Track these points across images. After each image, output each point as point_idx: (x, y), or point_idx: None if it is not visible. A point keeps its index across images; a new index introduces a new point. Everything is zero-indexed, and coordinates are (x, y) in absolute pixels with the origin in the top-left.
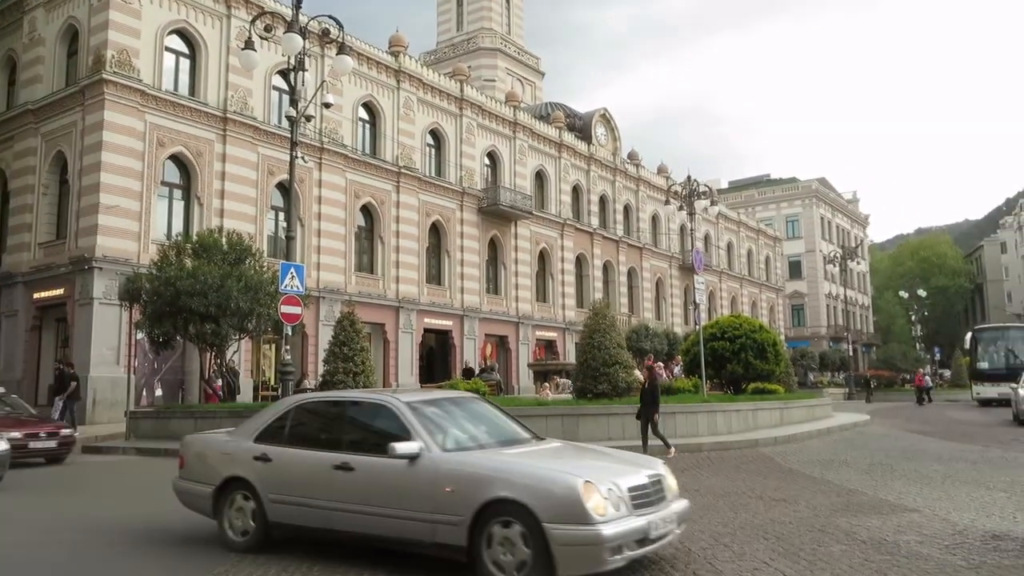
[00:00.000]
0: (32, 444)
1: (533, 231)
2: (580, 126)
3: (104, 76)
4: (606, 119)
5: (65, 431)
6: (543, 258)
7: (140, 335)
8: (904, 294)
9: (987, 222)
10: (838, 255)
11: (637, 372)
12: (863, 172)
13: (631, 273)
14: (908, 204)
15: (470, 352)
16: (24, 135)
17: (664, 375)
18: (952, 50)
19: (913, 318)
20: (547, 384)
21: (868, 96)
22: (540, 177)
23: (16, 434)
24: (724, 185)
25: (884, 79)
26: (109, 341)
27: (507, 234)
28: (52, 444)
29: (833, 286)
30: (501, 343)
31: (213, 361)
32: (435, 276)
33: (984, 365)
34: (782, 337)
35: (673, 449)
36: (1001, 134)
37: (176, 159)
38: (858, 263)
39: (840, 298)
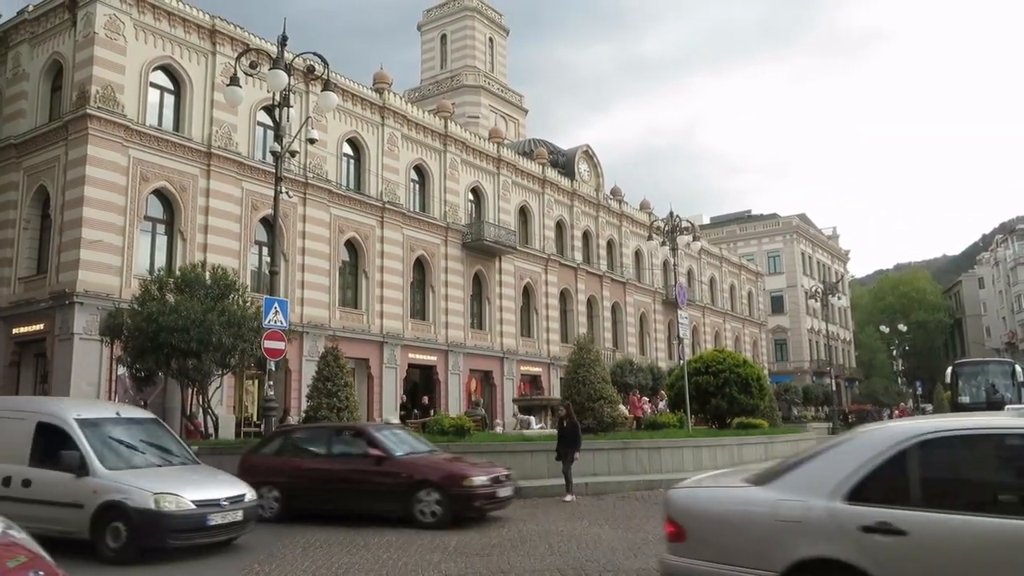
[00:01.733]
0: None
1: (517, 266)
2: (563, 162)
3: (88, 111)
4: (588, 155)
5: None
6: (527, 293)
7: (121, 371)
8: (885, 329)
9: (964, 258)
10: (819, 290)
11: (622, 407)
12: (842, 208)
13: (615, 308)
14: (887, 240)
15: (455, 387)
16: (6, 169)
17: (649, 409)
18: (929, 88)
19: (894, 352)
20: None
21: (847, 133)
22: (524, 212)
23: (482, 478)
24: (706, 221)
25: (862, 117)
26: (89, 377)
27: (491, 269)
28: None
29: (815, 321)
30: (486, 378)
31: (195, 397)
32: (419, 311)
33: (965, 399)
34: (765, 371)
35: (571, 496)
36: (977, 170)
37: (160, 194)
38: (839, 298)
39: (822, 333)
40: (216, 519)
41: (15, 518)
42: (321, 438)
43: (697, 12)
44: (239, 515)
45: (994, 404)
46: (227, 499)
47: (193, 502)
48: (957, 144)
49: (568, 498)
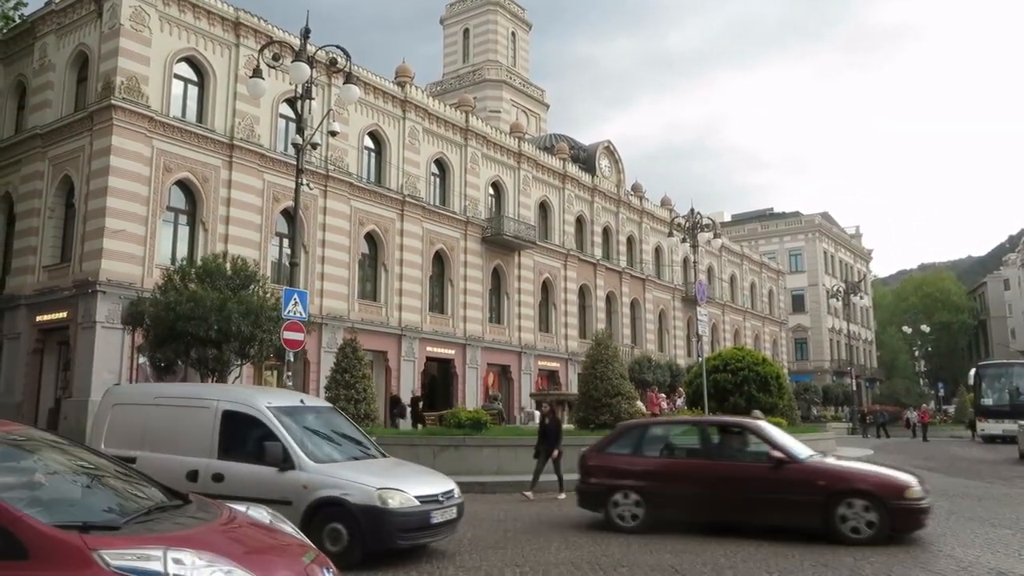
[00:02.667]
0: None
1: (536, 261)
2: (584, 158)
3: (113, 102)
4: (610, 151)
5: None
6: (546, 288)
7: (142, 360)
8: (907, 329)
9: (990, 258)
10: (841, 289)
11: (640, 403)
12: (866, 207)
13: (634, 304)
14: (911, 240)
15: (472, 381)
16: (32, 159)
17: (667, 406)
18: (957, 85)
19: (916, 353)
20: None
21: (872, 131)
22: (544, 208)
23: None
24: (727, 218)
25: (888, 114)
26: (111, 365)
27: (510, 264)
28: None
29: (836, 320)
30: (503, 372)
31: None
32: (438, 305)
33: (988, 402)
34: (785, 370)
35: (563, 495)
36: (1004, 171)
37: (182, 185)
38: (861, 298)
39: (843, 332)
40: (437, 516)
41: None
42: (694, 433)
43: (721, 7)
44: (453, 512)
45: (1018, 407)
46: (443, 494)
47: (417, 498)
48: (984, 143)
49: (560, 496)
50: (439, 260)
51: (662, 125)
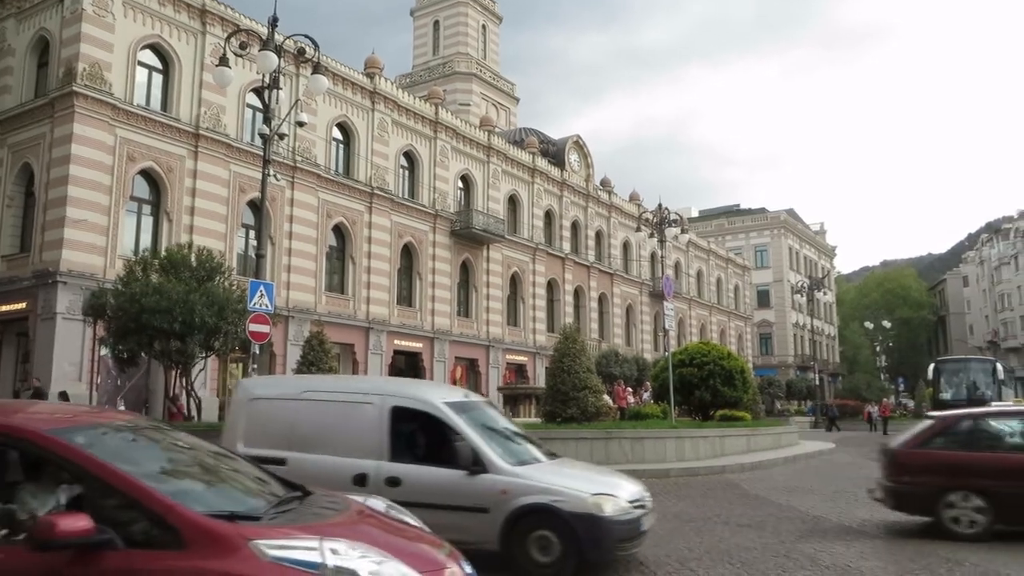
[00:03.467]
0: None
1: (505, 255)
2: (554, 152)
3: (75, 89)
4: (579, 146)
5: None
6: (515, 282)
7: (104, 351)
8: (869, 325)
9: (950, 256)
10: (805, 285)
11: (607, 397)
12: (830, 204)
13: (602, 299)
14: (874, 237)
15: (440, 374)
16: None
17: (633, 400)
18: (921, 86)
19: (878, 348)
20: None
21: (839, 129)
22: (513, 202)
23: None
24: (695, 214)
25: (855, 113)
26: (72, 357)
27: (479, 257)
28: None
29: (800, 316)
30: (471, 366)
31: (178, 380)
32: (406, 298)
33: (947, 396)
34: (750, 365)
35: None
36: (966, 169)
37: (146, 174)
38: (825, 294)
39: (807, 328)
40: (645, 523)
41: None
42: None
43: (693, 3)
44: (652, 518)
45: (975, 402)
46: (645, 498)
47: (629, 503)
48: (946, 143)
49: None
50: (407, 253)
51: (633, 120)
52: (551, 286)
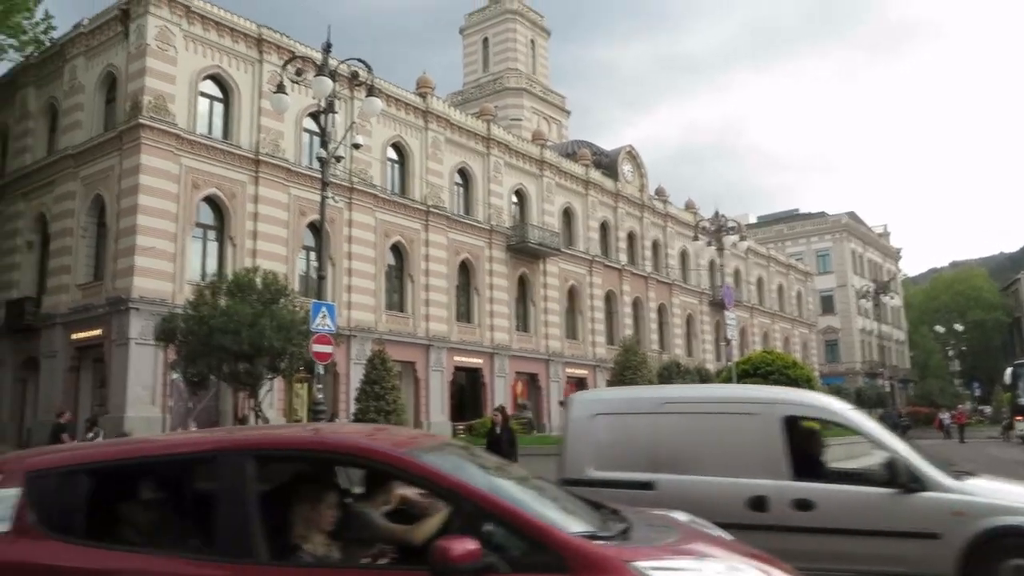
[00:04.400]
0: None
1: (562, 268)
2: (607, 163)
3: (141, 121)
4: (632, 156)
5: None
6: (572, 295)
7: (175, 375)
8: (940, 328)
9: (1022, 255)
10: (870, 289)
11: None
12: (895, 205)
13: (661, 309)
14: (941, 237)
15: (500, 390)
16: (64, 179)
17: None
18: (983, 79)
19: (950, 353)
20: None
21: (898, 128)
22: (568, 214)
23: None
24: (753, 220)
25: (914, 110)
26: (144, 381)
27: (536, 272)
28: None
29: (867, 321)
30: (532, 381)
31: (247, 401)
32: (465, 314)
33: (1021, 400)
34: (816, 373)
35: None
36: None
37: (210, 201)
38: (892, 297)
39: (874, 333)
40: None
41: (795, 557)
42: None
43: (737, 8)
44: None
45: None
46: None
47: None
48: (1016, 140)
49: None
50: (464, 269)
51: (683, 128)
52: (609, 298)
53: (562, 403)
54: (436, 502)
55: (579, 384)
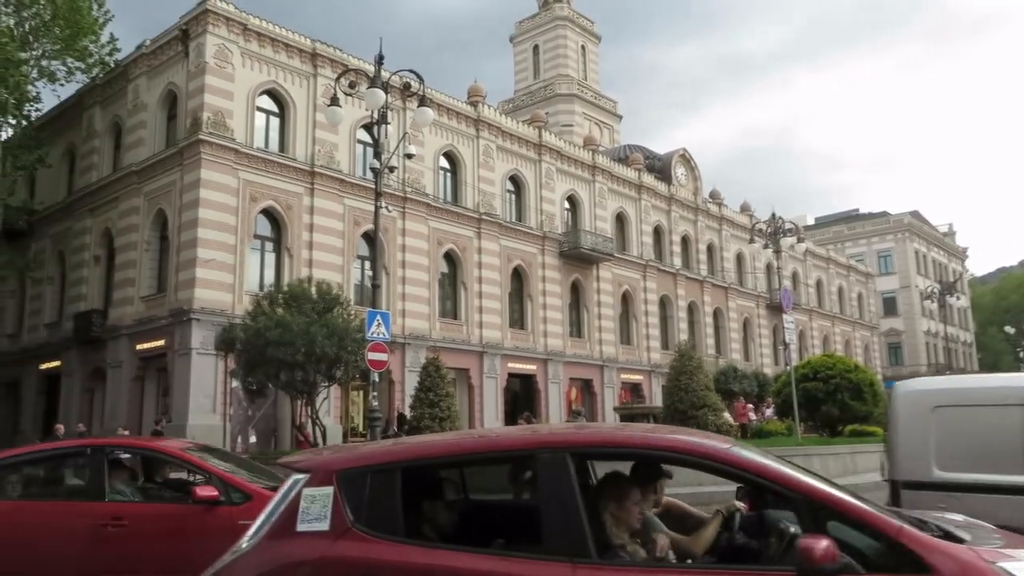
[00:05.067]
0: None
1: (615, 273)
2: (659, 167)
3: (200, 137)
4: (685, 159)
5: None
6: (626, 300)
7: (235, 384)
8: (1010, 329)
9: None
10: (935, 290)
11: (727, 415)
12: (960, 203)
13: (717, 313)
14: (1011, 236)
15: (555, 396)
16: (128, 195)
17: (755, 417)
18: None
19: (1021, 355)
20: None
21: (962, 123)
22: (621, 219)
23: None
24: (810, 222)
25: (978, 105)
26: (206, 390)
27: (589, 277)
28: None
29: (932, 323)
30: (586, 387)
31: (303, 408)
32: (518, 321)
33: None
34: (879, 376)
35: None
36: None
37: (267, 213)
38: (958, 298)
39: (940, 335)
40: None
41: None
42: None
43: (790, 5)
44: None
45: None
46: None
47: None
48: None
49: None
50: (517, 276)
51: (738, 129)
52: (663, 303)
53: (616, 409)
54: (702, 511)
55: (634, 390)
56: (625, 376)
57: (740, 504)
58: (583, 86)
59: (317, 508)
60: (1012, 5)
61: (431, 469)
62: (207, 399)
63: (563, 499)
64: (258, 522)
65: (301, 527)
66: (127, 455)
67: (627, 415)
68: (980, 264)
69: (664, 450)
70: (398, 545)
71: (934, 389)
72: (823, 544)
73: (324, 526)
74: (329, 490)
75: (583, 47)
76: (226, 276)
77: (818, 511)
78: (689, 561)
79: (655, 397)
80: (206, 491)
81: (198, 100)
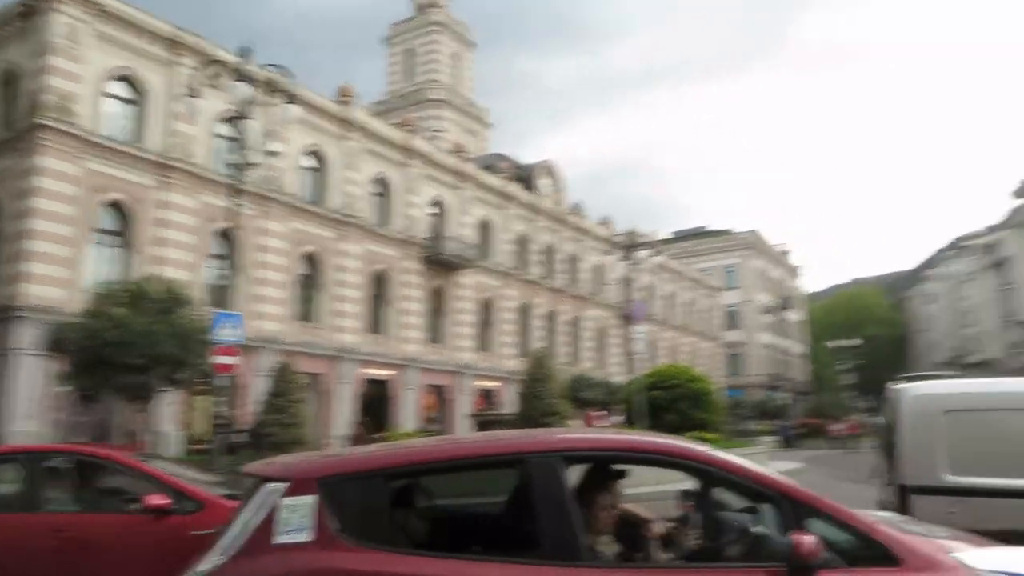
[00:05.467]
0: None
1: (477, 280)
2: (526, 176)
3: (41, 121)
4: (551, 170)
5: None
6: (487, 307)
7: (64, 387)
8: (836, 343)
9: (918, 272)
10: (773, 305)
11: (570, 423)
12: (801, 223)
13: (574, 322)
14: (845, 255)
15: (410, 403)
16: None
17: (601, 424)
18: (886, 103)
19: (845, 367)
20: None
21: (805, 147)
22: (485, 227)
23: None
24: (666, 236)
25: (821, 130)
26: (33, 393)
27: (451, 283)
28: None
29: (769, 336)
30: (441, 393)
31: (139, 415)
32: (377, 325)
33: None
34: (721, 386)
35: None
36: (938, 184)
37: (114, 206)
38: (793, 313)
39: (776, 347)
40: None
41: None
42: None
43: (661, 29)
44: None
45: None
46: None
47: None
48: (915, 161)
49: None
50: (379, 280)
51: (604, 144)
52: (523, 310)
53: (471, 416)
54: (652, 518)
55: (489, 397)
56: (481, 383)
57: (687, 505)
58: (455, 93)
59: (298, 518)
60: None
61: (419, 475)
62: (33, 403)
63: (556, 503)
64: (227, 537)
65: (280, 539)
66: (64, 461)
67: (481, 422)
68: (818, 281)
69: (657, 453)
70: (389, 554)
71: (945, 393)
72: (811, 540)
73: (307, 537)
74: (310, 499)
75: (457, 53)
76: (62, 271)
77: (799, 509)
78: (669, 557)
79: (513, 404)
80: (156, 499)
81: (40, 81)
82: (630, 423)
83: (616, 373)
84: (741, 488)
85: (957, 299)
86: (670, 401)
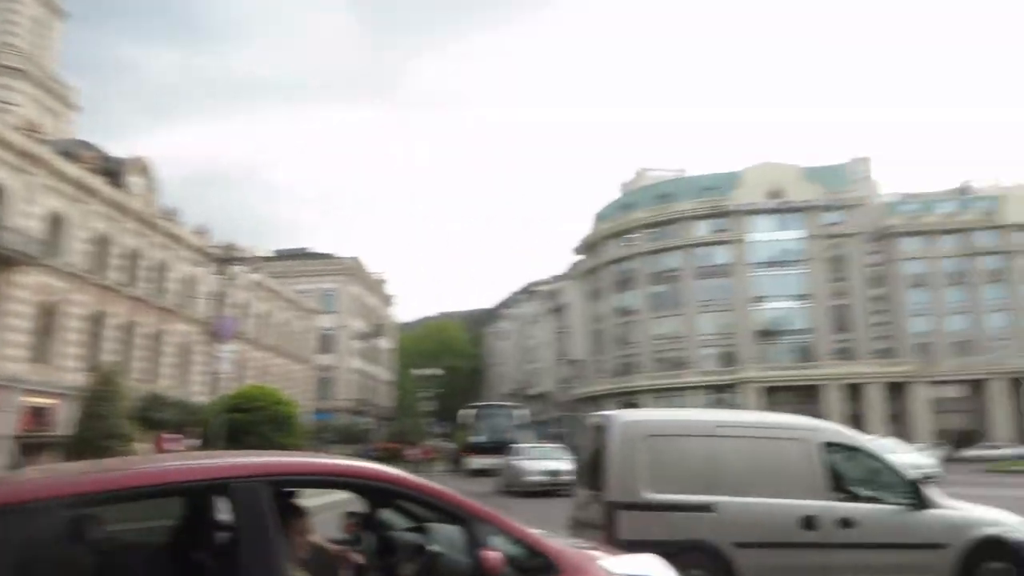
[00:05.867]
0: None
1: (40, 281)
2: (114, 171)
3: None
4: (145, 168)
5: None
6: (50, 312)
7: None
8: (418, 372)
9: (495, 311)
10: (367, 332)
11: (139, 446)
12: (399, 255)
13: (157, 336)
14: (436, 289)
15: None
16: None
17: (174, 449)
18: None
19: (427, 395)
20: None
21: (410, 184)
22: (57, 221)
23: None
24: (266, 253)
25: (427, 171)
26: None
27: (3, 281)
28: None
29: (360, 361)
30: None
31: None
32: None
33: (478, 439)
34: (309, 409)
35: None
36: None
37: None
38: (384, 341)
39: (365, 373)
40: None
41: (839, 570)
42: None
43: (281, 43)
44: None
45: (499, 443)
46: None
47: None
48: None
49: None
50: None
51: (211, 149)
52: (96, 319)
53: (16, 438)
54: (344, 551)
55: (41, 415)
56: (35, 399)
57: (352, 525)
58: (33, 63)
59: None
60: (474, 86)
61: (92, 506)
62: None
63: (261, 531)
64: None
65: None
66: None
67: (31, 444)
68: (411, 312)
69: (365, 478)
70: None
71: (647, 420)
72: (497, 556)
73: None
74: None
75: (40, 19)
76: None
77: (483, 527)
78: None
79: (69, 425)
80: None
81: None
82: (207, 446)
83: (199, 393)
84: (437, 509)
85: (524, 337)
86: (252, 424)
